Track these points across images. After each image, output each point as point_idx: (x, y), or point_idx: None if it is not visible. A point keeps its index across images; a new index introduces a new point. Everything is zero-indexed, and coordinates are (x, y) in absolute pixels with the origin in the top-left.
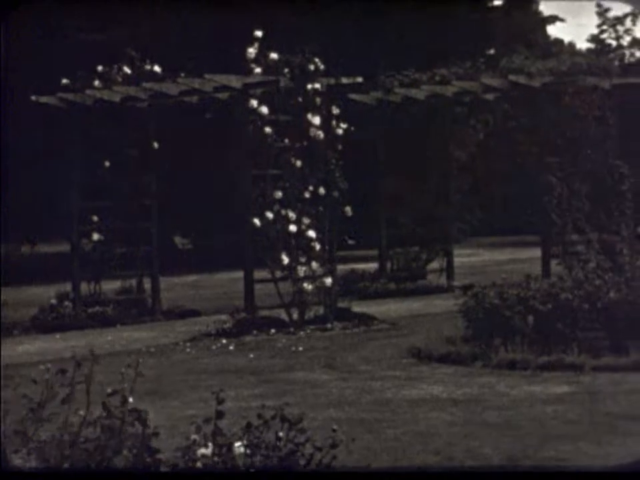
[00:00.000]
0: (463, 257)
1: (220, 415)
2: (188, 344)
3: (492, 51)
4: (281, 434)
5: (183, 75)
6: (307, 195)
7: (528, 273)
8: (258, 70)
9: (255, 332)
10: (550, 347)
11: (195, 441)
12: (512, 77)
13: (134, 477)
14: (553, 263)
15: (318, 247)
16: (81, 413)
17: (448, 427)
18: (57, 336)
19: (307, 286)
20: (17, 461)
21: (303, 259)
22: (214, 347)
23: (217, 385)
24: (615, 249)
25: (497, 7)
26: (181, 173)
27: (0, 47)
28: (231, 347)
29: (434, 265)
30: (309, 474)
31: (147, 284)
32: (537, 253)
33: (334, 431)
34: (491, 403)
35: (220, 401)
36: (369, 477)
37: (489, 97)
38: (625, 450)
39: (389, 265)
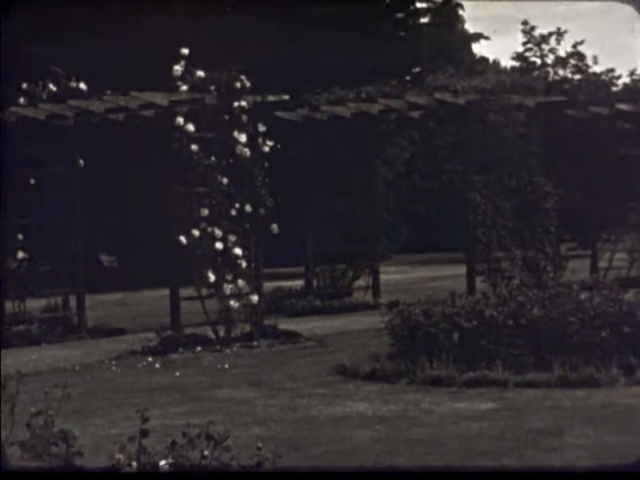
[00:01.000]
0: (389, 274)
1: (144, 433)
2: (114, 362)
3: (418, 69)
4: (206, 452)
5: (108, 92)
6: (233, 213)
7: (453, 290)
8: (184, 87)
9: (181, 350)
10: (474, 363)
11: (119, 460)
12: (437, 95)
13: (134, 477)
14: (478, 280)
15: (244, 264)
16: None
17: (373, 444)
18: None
19: (233, 303)
20: None
21: (229, 277)
22: (140, 365)
23: (142, 403)
24: (538, 265)
25: (423, 25)
26: (106, 191)
27: (0, 46)
28: (157, 365)
29: (360, 282)
30: (308, 474)
31: (73, 302)
32: (462, 270)
33: (259, 449)
34: (416, 420)
35: (144, 420)
36: (362, 477)
37: (415, 114)
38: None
39: (315, 283)
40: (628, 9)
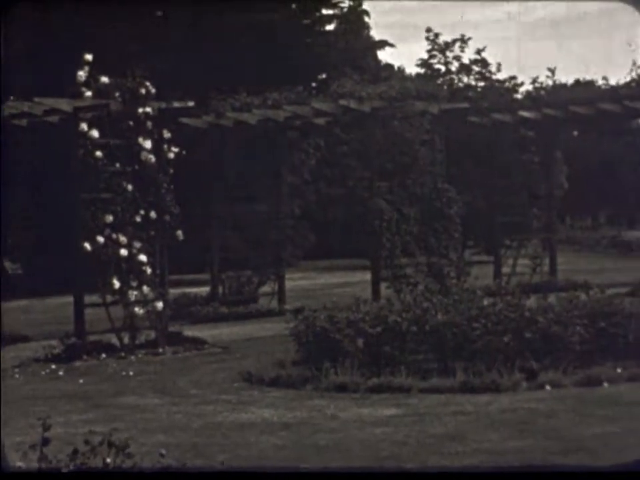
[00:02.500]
0: (294, 281)
1: (46, 441)
2: (17, 370)
3: (324, 76)
4: (108, 460)
5: (12, 97)
6: (138, 219)
7: (358, 296)
8: (88, 93)
9: (85, 357)
10: (379, 369)
11: (20, 468)
12: (343, 102)
13: (134, 478)
14: (383, 286)
15: (149, 271)
16: None
17: (278, 451)
18: None
19: (138, 310)
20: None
21: (134, 283)
22: (43, 373)
23: (45, 410)
24: (442, 271)
25: (328, 32)
26: (9, 197)
27: (0, 46)
28: (61, 373)
29: (266, 288)
30: (308, 474)
31: None
32: (367, 276)
33: (162, 455)
34: (321, 426)
35: (46, 428)
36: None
37: (320, 121)
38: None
39: (220, 289)
40: (628, 9)
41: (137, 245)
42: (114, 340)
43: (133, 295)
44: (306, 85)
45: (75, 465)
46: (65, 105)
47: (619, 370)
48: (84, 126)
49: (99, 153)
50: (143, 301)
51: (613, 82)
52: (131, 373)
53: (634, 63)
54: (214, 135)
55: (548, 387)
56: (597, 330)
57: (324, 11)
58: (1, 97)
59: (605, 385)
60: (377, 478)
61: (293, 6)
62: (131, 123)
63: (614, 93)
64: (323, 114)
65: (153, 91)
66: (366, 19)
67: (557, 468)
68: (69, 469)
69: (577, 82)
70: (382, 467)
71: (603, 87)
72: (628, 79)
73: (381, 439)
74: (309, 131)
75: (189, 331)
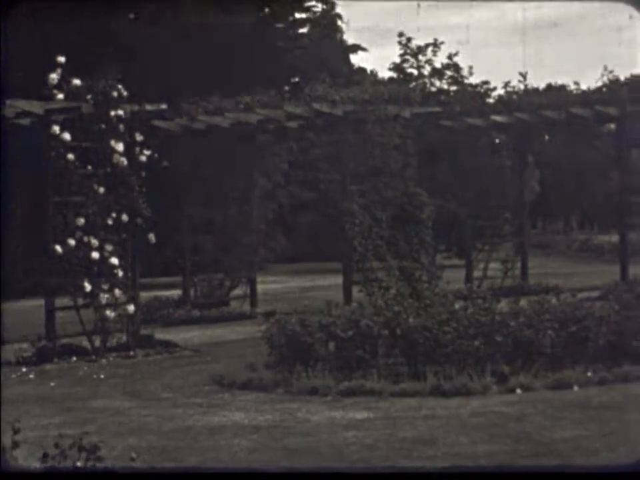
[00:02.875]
0: (266, 284)
1: (16, 444)
2: None
3: (296, 79)
4: (78, 463)
5: None
6: (110, 222)
7: (330, 300)
8: (60, 96)
9: (56, 360)
10: (350, 372)
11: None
12: (315, 105)
13: (133, 477)
14: (355, 289)
15: (121, 274)
16: None
17: (249, 454)
18: None
19: (110, 313)
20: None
21: (105, 286)
22: (14, 376)
23: (16, 414)
24: (414, 275)
25: (302, 35)
26: None
27: (0, 46)
28: (31, 376)
29: (238, 292)
30: (309, 474)
31: None
32: (339, 279)
33: (132, 459)
34: (292, 429)
35: (16, 431)
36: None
37: (293, 124)
38: None
39: (192, 292)
40: (624, 8)
41: (109, 247)
42: (85, 343)
43: (104, 298)
44: (279, 89)
45: (44, 469)
46: (36, 107)
47: (589, 374)
48: (56, 128)
49: (70, 156)
50: (115, 304)
51: (584, 87)
52: (102, 376)
53: (605, 68)
54: (186, 138)
55: (518, 391)
56: (568, 334)
57: (297, 15)
58: (1, 97)
59: (575, 388)
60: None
61: (267, 9)
62: (103, 125)
63: (585, 97)
64: (296, 117)
65: (125, 93)
66: (339, 22)
67: (558, 468)
68: (67, 468)
69: (549, 86)
70: (375, 467)
71: (575, 91)
72: (599, 83)
73: (351, 442)
74: (281, 134)
75: (161, 334)
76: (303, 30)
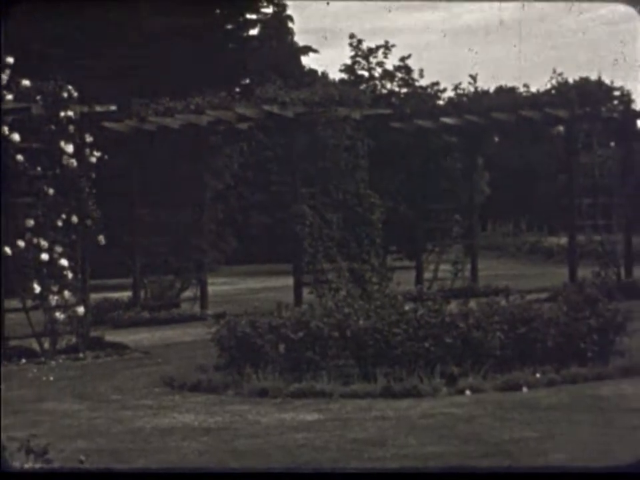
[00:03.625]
0: (217, 286)
1: None
2: None
3: (247, 81)
4: (26, 466)
5: None
6: (60, 224)
7: (280, 301)
8: (9, 97)
9: (4, 362)
10: (300, 374)
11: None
12: (266, 107)
13: (133, 478)
14: (305, 291)
15: (70, 275)
16: None
17: (199, 456)
18: None
19: (59, 315)
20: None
21: (55, 288)
22: None
23: None
24: (364, 277)
25: (252, 37)
26: None
27: (0, 46)
28: None
29: (188, 293)
30: (309, 474)
31: None
32: (289, 281)
33: (81, 462)
34: (242, 431)
35: None
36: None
37: (244, 126)
38: None
39: (143, 294)
40: (628, 10)
41: (58, 249)
42: (34, 345)
43: (53, 299)
44: (229, 90)
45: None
46: None
47: (537, 375)
48: (5, 129)
49: (19, 157)
50: (64, 306)
51: (533, 89)
52: (51, 378)
53: (554, 71)
54: (137, 139)
55: (468, 392)
56: (517, 335)
57: (248, 16)
58: (0, 97)
59: (524, 389)
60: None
61: (217, 10)
62: (53, 126)
63: (535, 100)
64: (246, 119)
65: (75, 94)
66: (290, 24)
67: (558, 469)
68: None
69: (499, 89)
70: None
71: (524, 93)
72: (548, 86)
73: (301, 444)
74: (232, 136)
75: (111, 336)
76: (254, 31)
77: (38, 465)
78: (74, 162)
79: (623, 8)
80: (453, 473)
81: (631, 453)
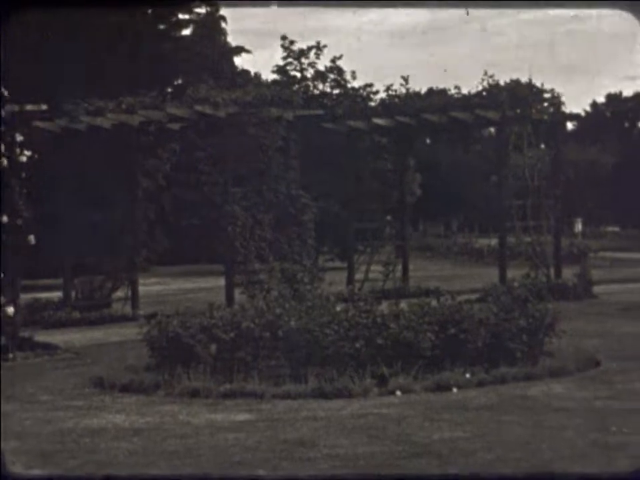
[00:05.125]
0: (149, 286)
1: None
2: None
3: (179, 81)
4: (26, 471)
5: None
6: None
7: (211, 302)
8: None
9: None
10: (232, 375)
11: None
12: (198, 107)
13: None
14: (237, 291)
15: (0, 275)
16: None
17: (129, 456)
18: None
19: None
20: None
21: None
22: None
23: None
24: (296, 277)
25: (185, 37)
26: None
27: (0, 47)
28: None
29: (119, 293)
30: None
31: None
32: (221, 281)
33: (12, 463)
34: (173, 432)
35: None
36: None
37: (175, 126)
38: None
39: (73, 294)
40: (623, 15)
41: None
42: None
43: None
44: (161, 90)
45: None
46: None
47: (467, 375)
48: None
49: None
50: None
51: (465, 91)
52: None
53: (485, 73)
54: (68, 138)
55: (398, 393)
56: (447, 336)
57: (180, 16)
58: (0, 97)
59: (454, 390)
60: None
61: (149, 11)
62: None
63: (466, 101)
64: (178, 119)
65: (6, 93)
66: (223, 24)
67: (558, 474)
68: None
69: (430, 90)
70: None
71: (455, 95)
72: (479, 88)
73: (232, 444)
74: (163, 136)
75: (41, 337)
76: (186, 31)
77: (37, 471)
78: (4, 161)
79: (552, 11)
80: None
81: (559, 452)
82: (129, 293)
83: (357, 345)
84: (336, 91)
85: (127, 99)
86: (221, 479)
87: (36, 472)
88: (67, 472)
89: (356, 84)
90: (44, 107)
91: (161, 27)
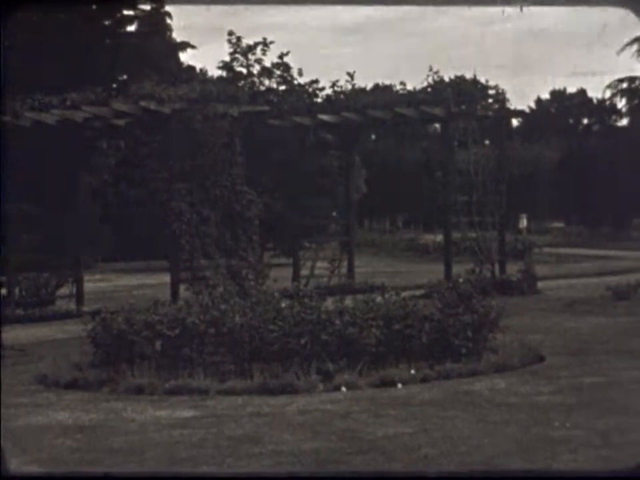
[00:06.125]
0: (93, 283)
1: None
2: None
3: (124, 77)
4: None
5: None
6: None
7: (156, 298)
8: None
9: None
10: (177, 371)
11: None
12: (143, 103)
13: None
14: (182, 287)
15: None
16: None
17: (72, 454)
18: None
19: None
20: None
21: None
22: None
23: None
24: (241, 274)
25: (130, 33)
26: None
27: (0, 46)
28: None
29: (64, 290)
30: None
31: None
32: (167, 278)
33: None
34: (117, 429)
35: None
36: None
37: (120, 122)
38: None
39: (17, 291)
40: (620, 12)
41: None
42: None
43: None
44: (106, 86)
45: None
46: None
47: (412, 371)
48: None
49: None
50: None
51: (410, 87)
52: None
53: (430, 69)
54: (12, 135)
55: (344, 389)
56: (392, 332)
57: (125, 12)
58: (0, 97)
59: (399, 385)
60: None
61: (94, 6)
62: None
63: (411, 97)
64: (123, 115)
65: None
66: (168, 20)
67: (558, 473)
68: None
69: (376, 86)
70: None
71: (401, 91)
72: (424, 84)
73: (177, 441)
74: (108, 131)
75: None
76: (132, 27)
77: (35, 470)
78: None
79: (498, 9)
80: (453, 478)
81: (503, 447)
82: (74, 290)
83: (302, 341)
84: (282, 87)
85: (71, 95)
86: (215, 477)
87: (35, 470)
88: (64, 470)
89: (302, 80)
90: None
91: (106, 22)
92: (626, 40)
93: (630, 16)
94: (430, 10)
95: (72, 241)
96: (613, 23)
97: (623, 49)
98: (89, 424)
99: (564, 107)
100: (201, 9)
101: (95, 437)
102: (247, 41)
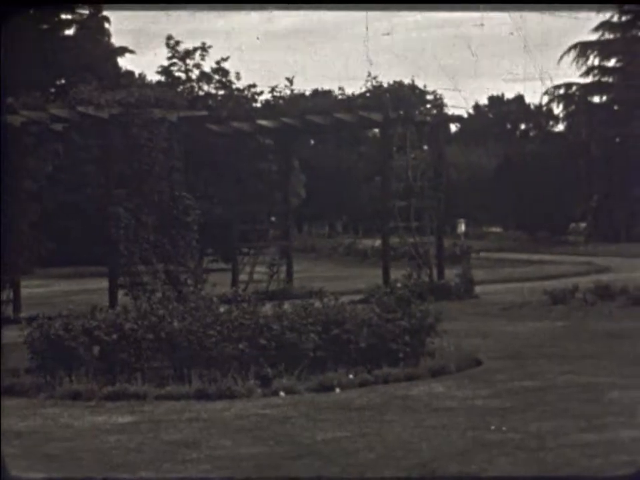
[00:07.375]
0: (31, 288)
1: None
2: None
3: (62, 81)
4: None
5: None
6: None
7: (94, 304)
8: None
9: None
10: (114, 376)
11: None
12: (80, 108)
13: None
14: (121, 293)
15: None
16: None
17: (9, 461)
18: None
19: None
20: None
21: None
22: None
23: None
24: (180, 279)
25: (67, 37)
26: None
27: (0, 48)
28: None
29: (1, 296)
30: None
31: None
32: (105, 283)
33: None
34: (54, 435)
35: None
36: None
37: (58, 127)
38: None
39: None
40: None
41: None
42: None
43: None
44: (43, 91)
45: None
46: None
47: (350, 376)
48: None
49: None
50: None
51: (349, 92)
52: None
53: (369, 74)
54: None
55: (282, 393)
56: (330, 337)
57: (63, 16)
58: (0, 97)
59: (337, 390)
60: None
61: (31, 10)
62: None
63: (350, 103)
64: (61, 120)
65: None
66: (106, 25)
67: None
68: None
69: (315, 91)
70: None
71: (340, 96)
72: (363, 89)
73: (115, 446)
74: (46, 136)
75: None
76: (69, 31)
77: (36, 474)
78: None
79: (439, 14)
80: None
81: (440, 451)
82: (11, 295)
83: (241, 346)
84: (221, 92)
85: (8, 99)
86: None
87: (35, 475)
88: (64, 474)
89: (240, 85)
90: None
91: (44, 26)
92: (564, 48)
93: (570, 22)
94: (371, 15)
95: (9, 246)
96: (555, 29)
97: (562, 57)
98: (25, 430)
99: (502, 113)
100: (139, 13)
101: (31, 443)
102: (185, 45)
